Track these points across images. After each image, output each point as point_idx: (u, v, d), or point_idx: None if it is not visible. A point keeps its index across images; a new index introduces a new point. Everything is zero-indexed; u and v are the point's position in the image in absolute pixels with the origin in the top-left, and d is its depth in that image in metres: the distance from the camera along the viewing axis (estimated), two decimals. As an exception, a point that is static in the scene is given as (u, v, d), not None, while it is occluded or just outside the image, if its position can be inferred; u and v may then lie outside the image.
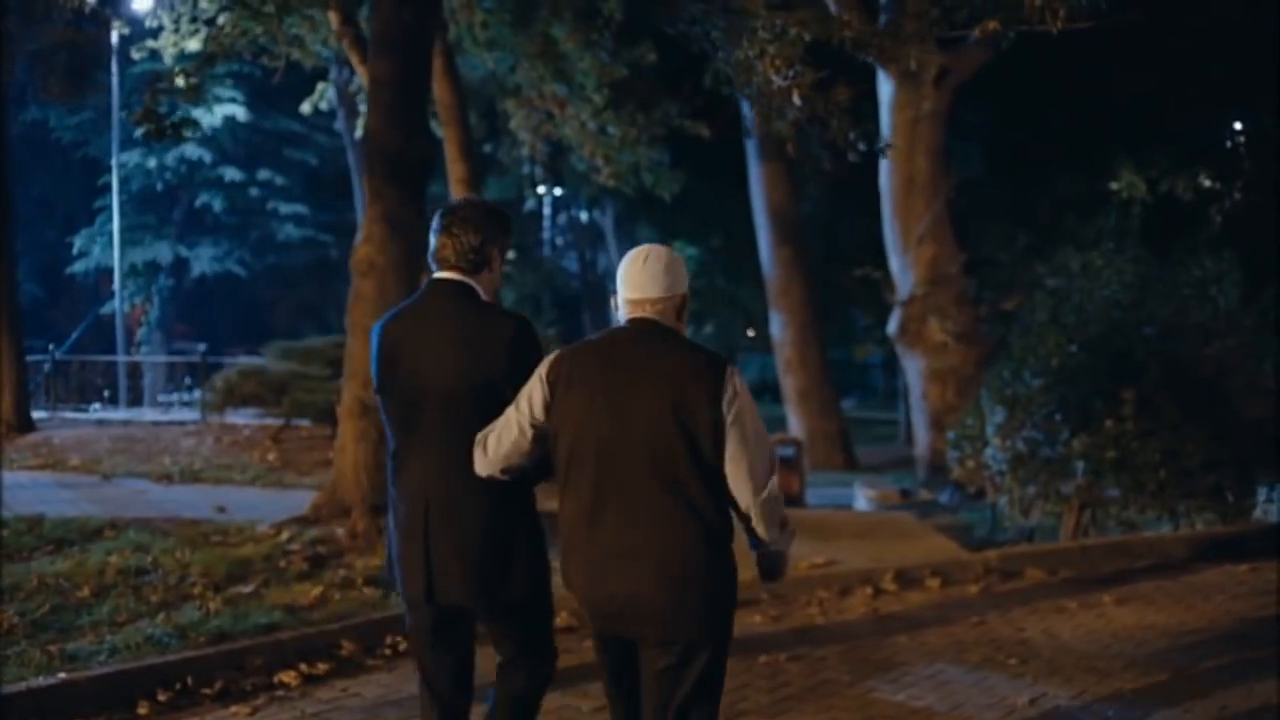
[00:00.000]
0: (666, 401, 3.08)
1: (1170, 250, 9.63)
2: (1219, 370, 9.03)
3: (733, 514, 3.21)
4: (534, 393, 3.21)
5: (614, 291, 3.33)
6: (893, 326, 14.50)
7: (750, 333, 35.15)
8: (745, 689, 5.44)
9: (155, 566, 6.96)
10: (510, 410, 3.25)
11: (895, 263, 14.65)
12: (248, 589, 6.65)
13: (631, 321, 3.24)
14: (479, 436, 3.28)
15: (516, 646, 3.54)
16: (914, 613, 7.03)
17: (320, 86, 15.37)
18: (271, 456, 11.78)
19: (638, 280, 3.22)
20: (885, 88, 14.37)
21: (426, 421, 3.40)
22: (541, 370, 3.23)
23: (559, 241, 38.24)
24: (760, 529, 3.19)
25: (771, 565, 3.33)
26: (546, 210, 34.49)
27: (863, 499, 12.35)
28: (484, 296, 3.50)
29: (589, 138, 10.35)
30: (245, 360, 15.61)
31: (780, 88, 5.66)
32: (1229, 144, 23.40)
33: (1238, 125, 22.85)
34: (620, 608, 3.13)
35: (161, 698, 5.18)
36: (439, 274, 3.49)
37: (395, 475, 3.50)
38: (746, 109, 12.00)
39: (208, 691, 5.30)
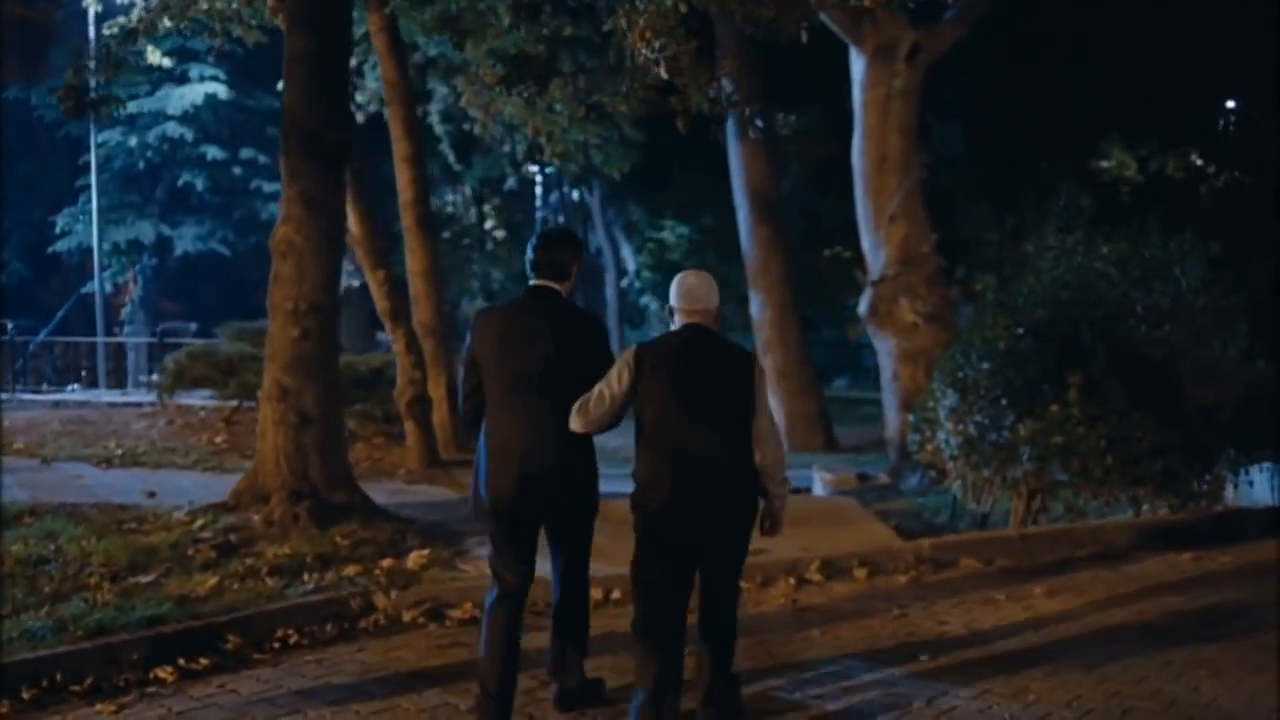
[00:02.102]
0: (722, 381, 4.41)
1: (1109, 230, 9.29)
2: (1170, 353, 8.75)
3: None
4: (623, 374, 4.40)
5: (666, 302, 4.60)
6: (863, 306, 14.18)
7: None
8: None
9: (57, 555, 6.80)
10: (601, 386, 4.41)
11: (867, 242, 14.32)
12: (148, 579, 6.49)
13: (688, 325, 4.51)
14: (576, 405, 4.41)
15: (571, 545, 4.81)
16: (834, 605, 6.82)
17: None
18: (220, 439, 11.62)
19: (691, 295, 4.50)
20: (857, 65, 14.04)
21: (524, 389, 4.52)
22: (629, 358, 4.42)
23: (550, 220, 37.86)
24: (771, 474, 4.49)
25: (773, 518, 4.61)
26: (538, 189, 34.17)
27: (819, 483, 12.09)
28: (564, 296, 4.68)
29: (532, 115, 10.10)
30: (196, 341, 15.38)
31: (647, 59, 5.38)
32: (1221, 125, 23.01)
33: (1230, 104, 22.49)
34: (696, 519, 4.37)
35: (26, 695, 5.01)
36: (535, 281, 4.67)
37: (494, 427, 4.58)
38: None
39: (77, 688, 5.13)
